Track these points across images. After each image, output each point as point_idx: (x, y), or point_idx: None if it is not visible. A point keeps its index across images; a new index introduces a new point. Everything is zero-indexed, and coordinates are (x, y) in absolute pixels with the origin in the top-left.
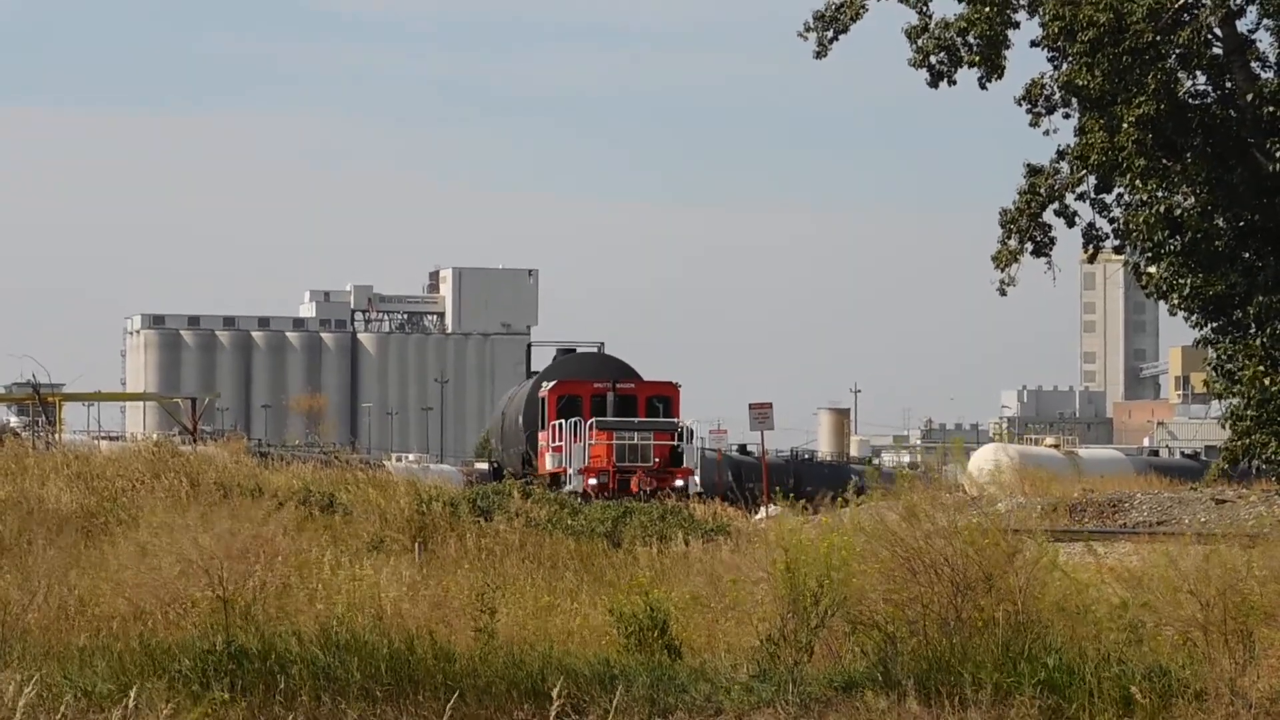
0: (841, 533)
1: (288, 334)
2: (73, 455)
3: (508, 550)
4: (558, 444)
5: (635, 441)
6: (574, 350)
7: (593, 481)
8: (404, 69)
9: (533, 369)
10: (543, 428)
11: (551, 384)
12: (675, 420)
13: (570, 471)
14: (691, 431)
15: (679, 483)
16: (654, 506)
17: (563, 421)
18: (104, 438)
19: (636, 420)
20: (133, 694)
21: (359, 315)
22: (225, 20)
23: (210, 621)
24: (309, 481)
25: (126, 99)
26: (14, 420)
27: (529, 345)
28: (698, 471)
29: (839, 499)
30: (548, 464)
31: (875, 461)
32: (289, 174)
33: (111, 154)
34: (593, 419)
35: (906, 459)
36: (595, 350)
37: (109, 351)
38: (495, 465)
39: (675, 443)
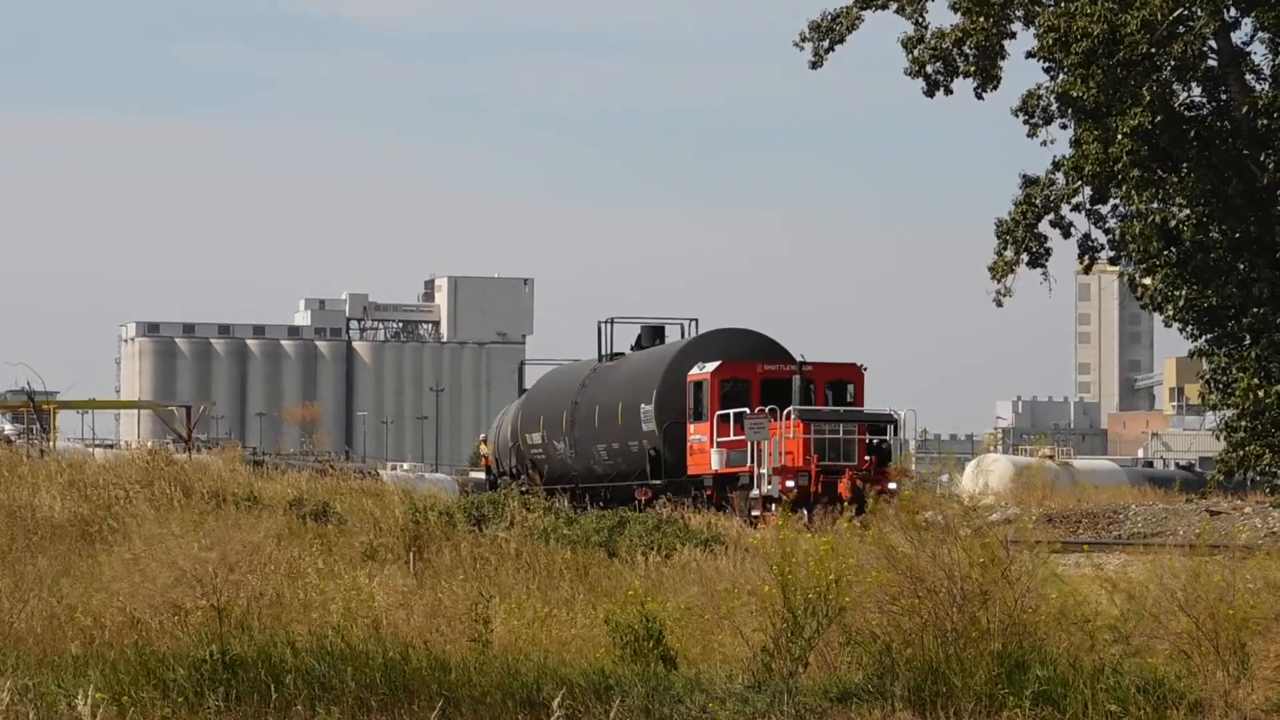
0: (837, 543)
1: (283, 342)
2: (66, 463)
3: (503, 559)
4: (732, 439)
5: (840, 436)
6: (662, 328)
7: (790, 484)
8: (400, 78)
9: (614, 349)
10: (699, 418)
11: (715, 365)
12: (886, 410)
13: (763, 472)
14: (900, 424)
15: (892, 486)
16: (650, 516)
17: (745, 411)
18: (98, 445)
19: (842, 410)
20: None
21: (354, 324)
22: (224, 29)
23: (204, 630)
24: (303, 490)
25: (121, 108)
26: (8, 428)
27: (609, 321)
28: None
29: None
30: (713, 463)
31: None
32: (284, 183)
33: (107, 163)
34: (790, 407)
35: None
36: (689, 323)
37: (104, 359)
38: (519, 467)
39: (884, 438)
